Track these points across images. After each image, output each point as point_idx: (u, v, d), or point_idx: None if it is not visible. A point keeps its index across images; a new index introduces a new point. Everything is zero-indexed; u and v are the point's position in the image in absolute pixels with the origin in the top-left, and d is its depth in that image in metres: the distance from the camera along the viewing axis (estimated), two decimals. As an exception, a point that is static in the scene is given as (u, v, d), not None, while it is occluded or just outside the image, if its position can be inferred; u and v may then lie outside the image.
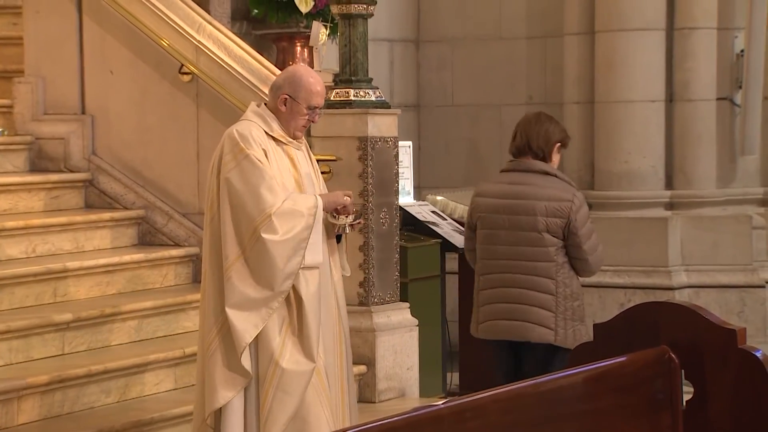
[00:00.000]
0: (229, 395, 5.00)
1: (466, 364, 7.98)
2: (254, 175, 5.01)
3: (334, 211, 5.18)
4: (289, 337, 5.03)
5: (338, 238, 5.30)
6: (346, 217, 5.20)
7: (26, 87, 7.58)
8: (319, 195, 5.17)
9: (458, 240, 7.68)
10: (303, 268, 5.02)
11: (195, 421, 5.23)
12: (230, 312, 4.96)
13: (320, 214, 5.07)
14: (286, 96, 5.17)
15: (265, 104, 5.27)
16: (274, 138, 5.16)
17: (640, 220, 8.83)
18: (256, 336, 4.99)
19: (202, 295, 5.21)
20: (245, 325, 4.97)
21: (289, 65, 7.88)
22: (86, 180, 7.42)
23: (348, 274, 5.44)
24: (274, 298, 4.99)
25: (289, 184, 5.13)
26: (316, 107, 5.21)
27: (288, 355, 5.01)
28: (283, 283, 4.98)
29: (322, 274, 5.14)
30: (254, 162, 5.01)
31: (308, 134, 7.03)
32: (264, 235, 4.95)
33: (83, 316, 6.21)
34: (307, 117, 5.20)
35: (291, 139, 5.21)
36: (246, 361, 4.98)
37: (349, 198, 5.24)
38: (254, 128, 5.12)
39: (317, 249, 5.07)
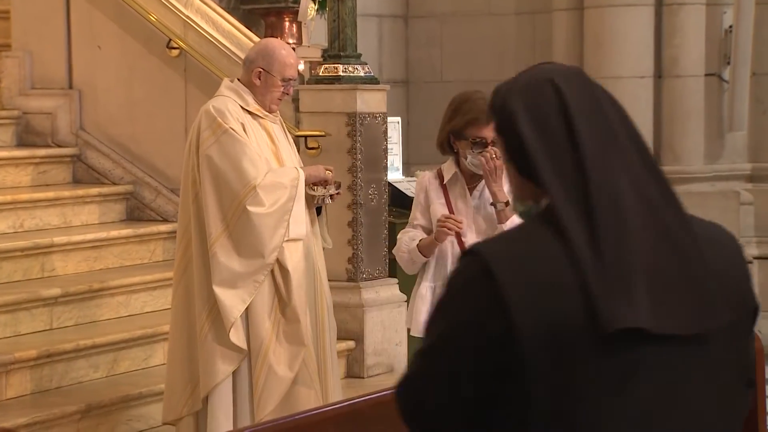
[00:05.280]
0: (229, 369, 5.00)
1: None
2: (235, 149, 4.99)
3: (312, 184, 5.19)
4: (279, 318, 5.03)
5: (318, 211, 5.30)
6: (325, 188, 5.21)
7: (13, 61, 7.55)
8: (301, 168, 5.18)
9: (447, 216, 7.67)
10: (288, 240, 5.02)
11: (170, 402, 5.21)
12: (218, 290, 4.95)
13: (302, 185, 5.07)
14: (260, 69, 5.17)
15: (239, 79, 5.26)
16: (250, 112, 5.16)
17: (628, 196, 8.82)
18: (248, 313, 5.00)
19: (178, 274, 5.18)
20: (233, 301, 4.96)
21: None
22: (74, 155, 7.40)
23: (329, 247, 5.44)
24: (261, 271, 4.98)
25: (269, 157, 5.12)
26: (290, 79, 5.20)
27: (279, 335, 5.01)
28: (269, 255, 4.97)
29: (304, 247, 5.15)
30: (233, 136, 5.00)
31: (296, 110, 7.02)
32: (250, 208, 4.94)
33: (71, 291, 6.21)
34: (282, 89, 5.19)
35: (267, 113, 5.21)
36: (236, 337, 4.97)
37: (330, 173, 5.25)
38: (230, 103, 5.11)
39: (301, 221, 5.07)
